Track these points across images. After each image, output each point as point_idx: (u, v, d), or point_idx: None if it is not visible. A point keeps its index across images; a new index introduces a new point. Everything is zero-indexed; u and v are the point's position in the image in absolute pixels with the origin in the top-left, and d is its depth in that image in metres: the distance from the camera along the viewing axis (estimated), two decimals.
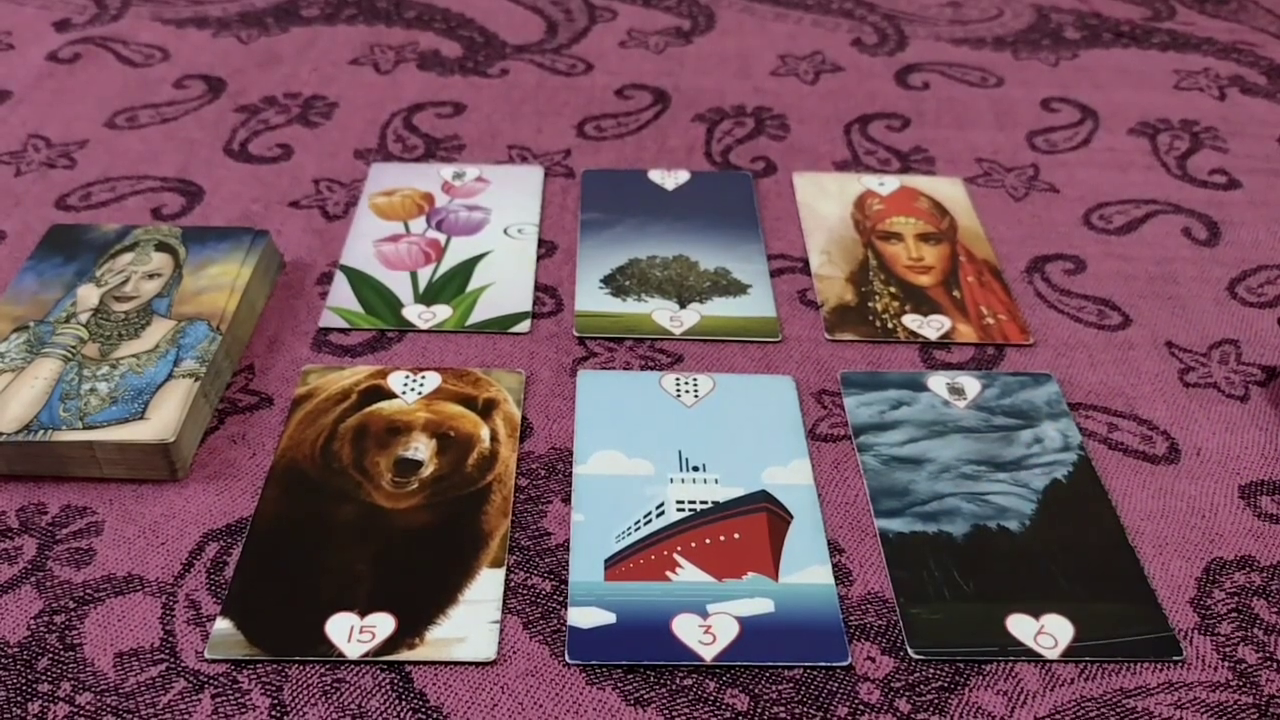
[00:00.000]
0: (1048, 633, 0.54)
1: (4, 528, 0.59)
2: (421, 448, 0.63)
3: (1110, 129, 0.96)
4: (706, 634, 0.54)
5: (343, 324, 0.72)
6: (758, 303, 0.75)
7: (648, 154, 0.91)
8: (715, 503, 0.61)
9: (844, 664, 0.53)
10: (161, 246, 0.74)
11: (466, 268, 0.77)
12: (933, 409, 0.67)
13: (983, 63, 1.06)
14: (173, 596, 0.55)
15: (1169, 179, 0.90)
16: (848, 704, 0.52)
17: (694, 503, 0.61)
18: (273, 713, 0.50)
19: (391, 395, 0.66)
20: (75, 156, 0.88)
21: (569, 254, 0.80)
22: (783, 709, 0.51)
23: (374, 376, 0.68)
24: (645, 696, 0.52)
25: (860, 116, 0.97)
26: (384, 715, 0.51)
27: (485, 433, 0.64)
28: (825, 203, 0.85)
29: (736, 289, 0.76)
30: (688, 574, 0.57)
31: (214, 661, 0.52)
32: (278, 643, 0.53)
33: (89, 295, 0.69)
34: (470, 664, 0.53)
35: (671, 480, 0.62)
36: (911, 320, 0.74)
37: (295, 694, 0.51)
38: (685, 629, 0.54)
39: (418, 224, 0.82)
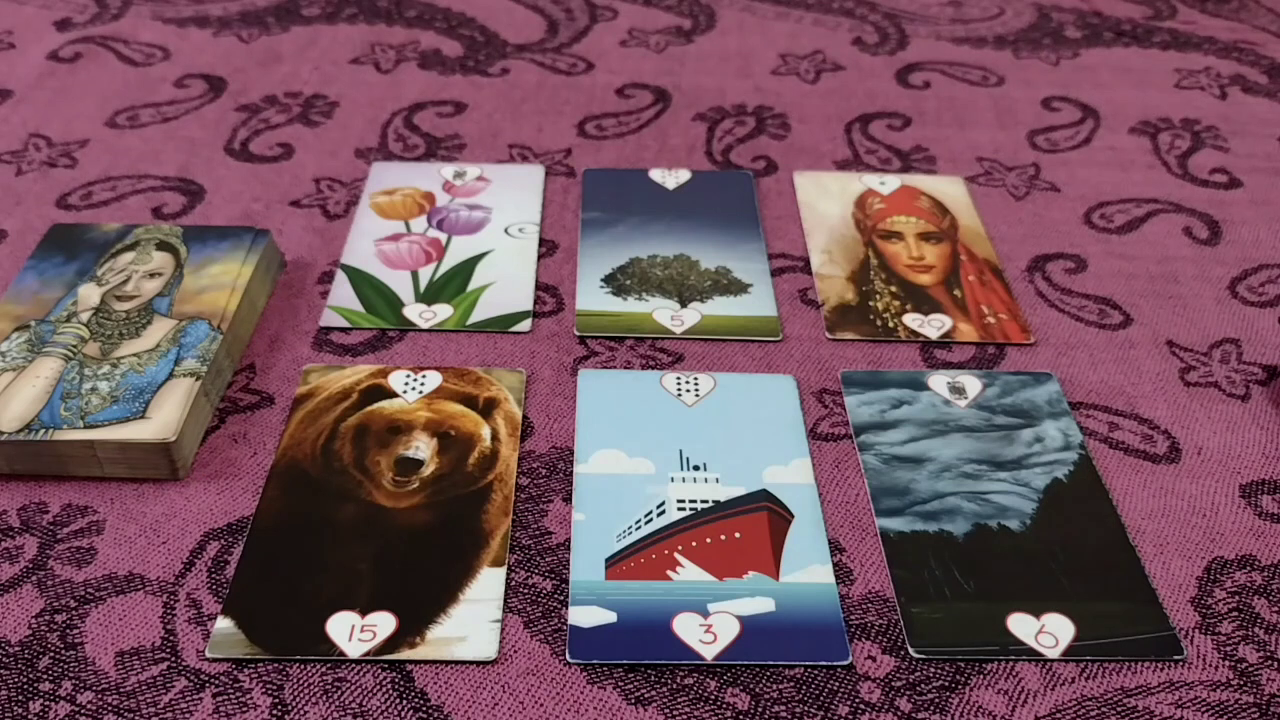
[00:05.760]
0: (1049, 632, 0.54)
1: (5, 527, 0.59)
2: (422, 447, 0.63)
3: (1111, 128, 0.96)
4: (707, 633, 0.54)
5: (343, 323, 0.72)
6: (758, 302, 0.75)
7: (648, 153, 0.91)
8: (716, 502, 0.61)
9: (845, 663, 0.53)
10: (162, 245, 0.74)
11: (467, 267, 0.77)
12: (933, 408, 0.67)
13: (984, 62, 1.06)
14: (174, 596, 0.55)
15: (1170, 178, 0.90)
16: (849, 703, 0.52)
17: (695, 502, 0.61)
18: (274, 712, 0.50)
19: (392, 394, 0.66)
20: (76, 156, 0.88)
21: (570, 253, 0.80)
22: (783, 708, 0.51)
23: (375, 375, 0.68)
24: (646, 696, 0.52)
25: (861, 115, 0.97)
26: (385, 714, 0.51)
27: (486, 432, 0.64)
28: (826, 202, 0.85)
29: (737, 288, 0.76)
30: (688, 573, 0.57)
31: (215, 660, 0.52)
32: (279, 642, 0.53)
33: (90, 294, 0.69)
34: (471, 663, 0.53)
35: (672, 479, 0.62)
36: (912, 319, 0.74)
37: (296, 693, 0.51)
38: (686, 628, 0.54)
39: (418, 223, 0.82)
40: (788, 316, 0.74)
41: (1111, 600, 0.56)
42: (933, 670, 0.53)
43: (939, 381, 0.69)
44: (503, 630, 0.54)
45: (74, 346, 0.65)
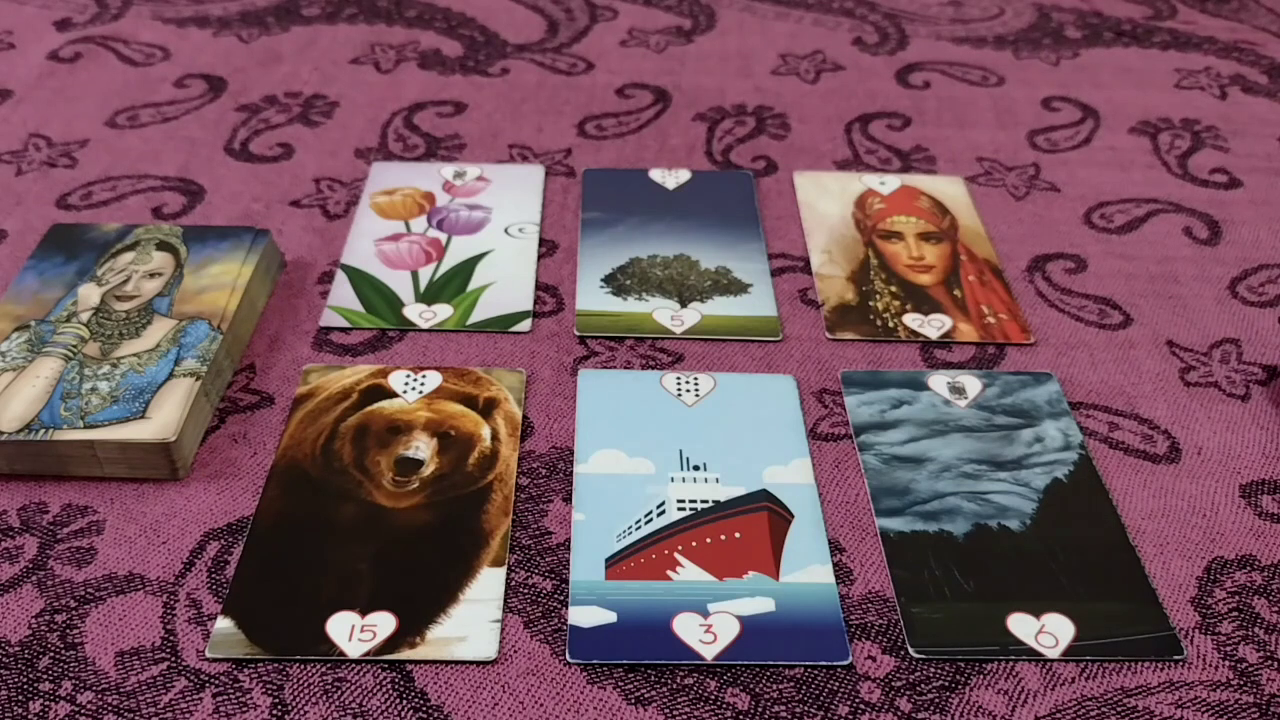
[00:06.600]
0: (1049, 632, 0.54)
1: (5, 527, 0.59)
2: (422, 447, 0.63)
3: (1111, 128, 0.96)
4: (707, 633, 0.54)
5: (343, 323, 0.72)
6: (758, 302, 0.75)
7: (648, 153, 0.91)
8: (716, 502, 0.61)
9: (845, 663, 0.53)
10: (162, 245, 0.74)
11: (467, 267, 0.77)
12: (933, 408, 0.67)
13: (984, 62, 1.06)
14: (174, 595, 0.55)
15: (1170, 178, 0.90)
16: (849, 703, 0.52)
17: (695, 502, 0.61)
18: (274, 712, 0.50)
19: (392, 394, 0.66)
20: (76, 156, 0.88)
21: (570, 253, 0.80)
22: (783, 708, 0.51)
23: (375, 376, 0.68)
24: (646, 696, 0.52)
25: (861, 115, 0.97)
26: (385, 714, 0.51)
27: (486, 432, 0.64)
28: (826, 202, 0.85)
29: (737, 288, 0.76)
30: (688, 573, 0.57)
31: (215, 660, 0.52)
32: (279, 642, 0.53)
33: (90, 294, 0.69)
34: (471, 663, 0.53)
35: (672, 479, 0.62)
36: (912, 319, 0.74)
37: (296, 693, 0.51)
38: (686, 628, 0.54)
39: (419, 223, 0.82)
40: (788, 316, 0.74)
41: (1111, 600, 0.56)
42: (933, 670, 0.53)
43: (939, 381, 0.69)
44: (503, 630, 0.54)
45: (74, 346, 0.65)
